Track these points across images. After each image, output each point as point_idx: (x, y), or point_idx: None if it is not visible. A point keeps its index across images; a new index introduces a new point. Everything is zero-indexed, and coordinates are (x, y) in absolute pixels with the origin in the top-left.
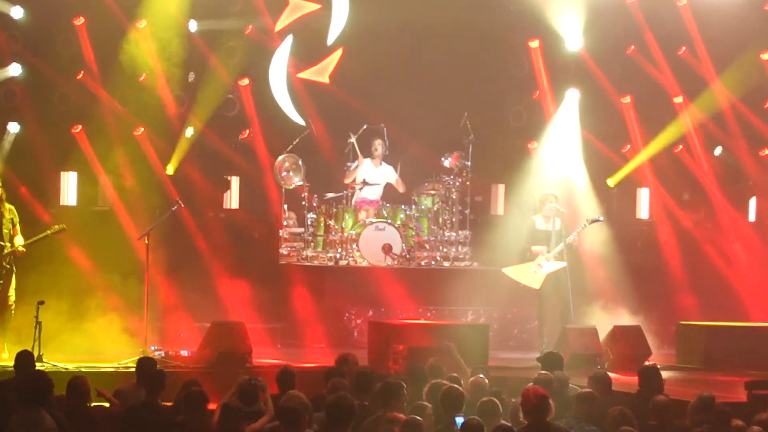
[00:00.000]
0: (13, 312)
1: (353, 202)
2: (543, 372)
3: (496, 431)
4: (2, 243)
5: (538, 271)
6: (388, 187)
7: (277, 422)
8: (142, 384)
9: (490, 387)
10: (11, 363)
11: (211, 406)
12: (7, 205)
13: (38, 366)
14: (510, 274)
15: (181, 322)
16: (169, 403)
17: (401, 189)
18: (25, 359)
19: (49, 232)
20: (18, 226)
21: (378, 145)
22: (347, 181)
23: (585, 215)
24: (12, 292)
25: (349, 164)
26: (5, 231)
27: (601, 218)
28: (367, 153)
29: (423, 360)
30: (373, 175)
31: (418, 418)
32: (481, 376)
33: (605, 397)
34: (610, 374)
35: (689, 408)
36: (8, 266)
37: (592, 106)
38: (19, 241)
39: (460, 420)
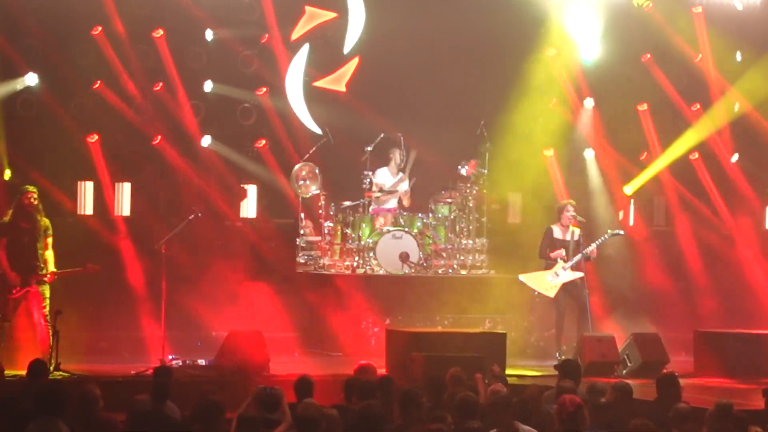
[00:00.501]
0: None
1: (370, 210)
2: (566, 381)
3: None
4: (37, 263)
5: (553, 280)
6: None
7: (295, 431)
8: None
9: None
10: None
11: (229, 415)
12: (45, 220)
13: (56, 375)
14: (526, 281)
15: (199, 331)
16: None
17: (407, 202)
18: (38, 368)
19: (81, 269)
20: (51, 240)
21: (395, 154)
22: (373, 196)
23: (603, 224)
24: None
25: (366, 172)
26: (39, 245)
27: (622, 232)
28: (384, 162)
29: (441, 368)
30: (389, 183)
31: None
32: (500, 384)
33: (626, 407)
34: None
35: (707, 415)
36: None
37: (608, 113)
38: (51, 261)
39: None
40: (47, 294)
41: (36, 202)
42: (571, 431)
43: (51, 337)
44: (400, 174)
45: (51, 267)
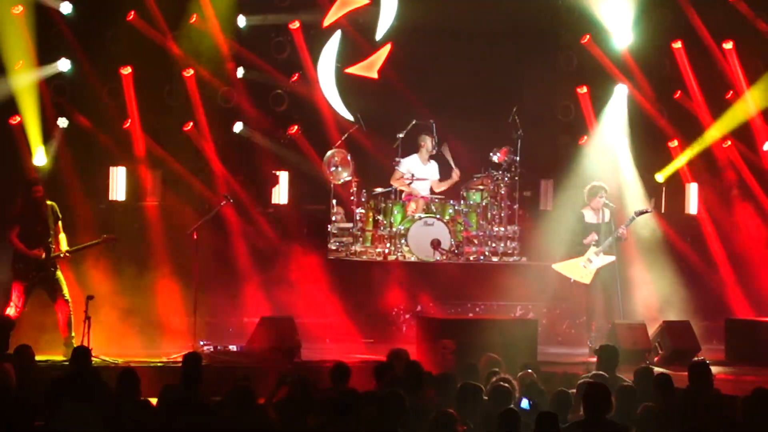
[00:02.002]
0: (71, 310)
1: (402, 197)
2: (599, 372)
3: (541, 417)
4: (53, 247)
5: (587, 266)
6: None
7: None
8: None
9: (538, 382)
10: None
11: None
12: (48, 202)
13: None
14: (560, 270)
15: (231, 317)
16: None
17: (438, 188)
18: (81, 354)
19: (97, 241)
20: (61, 223)
21: (426, 141)
22: (394, 184)
23: (633, 210)
24: (65, 291)
25: (397, 159)
26: (51, 231)
27: (649, 209)
28: (415, 148)
29: (471, 355)
30: (420, 170)
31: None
32: (530, 371)
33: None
34: (658, 369)
35: (743, 402)
36: (53, 269)
37: (641, 101)
38: (63, 242)
39: (525, 403)
40: (62, 279)
41: (41, 194)
42: (596, 418)
43: (69, 321)
44: (431, 162)
45: (64, 247)
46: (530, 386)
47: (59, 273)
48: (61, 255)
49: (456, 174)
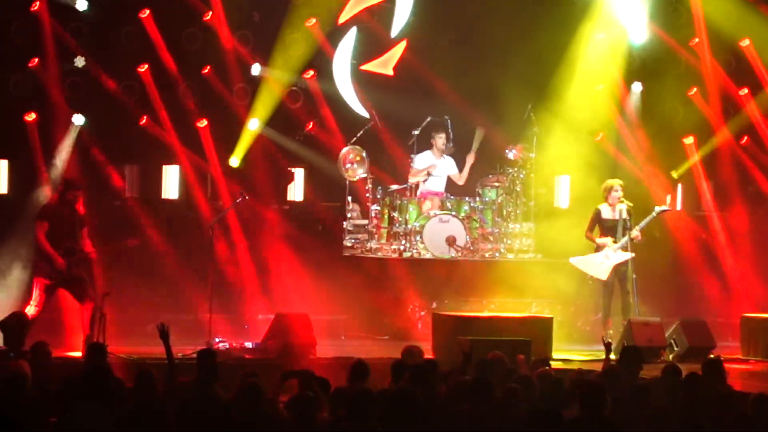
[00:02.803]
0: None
1: (417, 194)
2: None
3: (533, 415)
4: (77, 248)
5: (605, 262)
6: (450, 179)
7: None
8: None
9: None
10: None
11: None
12: (83, 209)
13: None
14: (577, 265)
15: (246, 314)
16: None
17: (461, 182)
18: (96, 351)
19: (122, 242)
20: (86, 230)
21: (440, 138)
22: (412, 180)
23: (649, 207)
24: (91, 291)
25: (412, 156)
26: (78, 234)
27: (668, 208)
28: (428, 144)
29: (487, 352)
30: (441, 165)
31: None
32: (547, 368)
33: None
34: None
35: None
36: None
37: (656, 98)
38: (87, 246)
39: None
40: (86, 277)
41: (78, 199)
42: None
43: (93, 320)
44: (446, 156)
45: (88, 248)
46: (545, 380)
47: (83, 273)
48: (87, 256)
49: (470, 158)
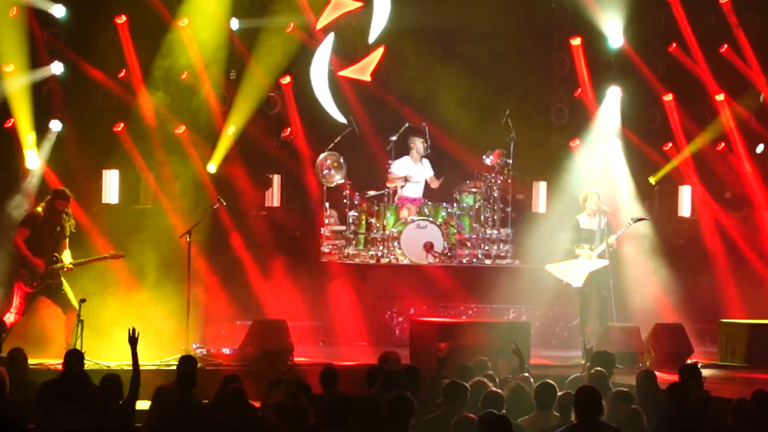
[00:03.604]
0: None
1: (395, 200)
2: (598, 369)
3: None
4: (57, 257)
5: (579, 269)
6: (426, 184)
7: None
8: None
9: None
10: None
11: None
12: (72, 221)
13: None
14: (553, 272)
15: (223, 320)
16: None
17: (434, 185)
18: (73, 357)
19: (104, 256)
20: (67, 240)
21: (418, 143)
22: (390, 185)
23: (627, 213)
24: (73, 299)
25: (390, 161)
26: (60, 244)
27: (646, 217)
28: (406, 151)
29: (465, 358)
30: (413, 171)
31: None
32: (526, 375)
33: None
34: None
35: (734, 405)
36: (55, 281)
37: (633, 103)
38: (67, 257)
39: None
40: (66, 286)
41: (65, 210)
42: (588, 420)
43: (74, 327)
44: (423, 161)
45: (68, 260)
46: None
47: (65, 283)
48: (65, 267)
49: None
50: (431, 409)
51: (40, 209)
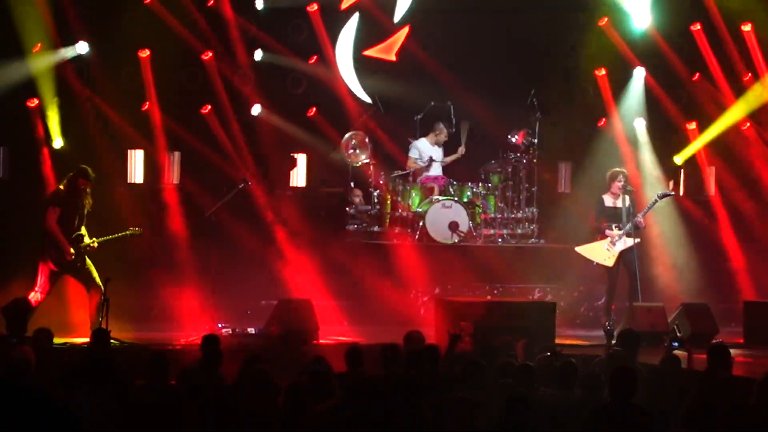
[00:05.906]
0: (104, 293)
1: (420, 179)
2: (616, 348)
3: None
4: (82, 236)
5: (610, 249)
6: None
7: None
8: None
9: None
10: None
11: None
12: (90, 199)
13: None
14: (583, 253)
15: (249, 300)
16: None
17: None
18: (100, 337)
19: (127, 232)
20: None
21: (442, 133)
22: (410, 168)
23: (653, 192)
24: (97, 277)
25: (410, 139)
26: (83, 222)
27: (672, 192)
28: (429, 129)
29: (490, 337)
30: (429, 152)
31: None
32: (549, 354)
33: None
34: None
35: (757, 385)
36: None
37: (659, 83)
38: (87, 235)
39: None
40: (91, 264)
41: (87, 189)
42: (621, 401)
43: (98, 306)
44: (435, 147)
45: (88, 239)
46: (547, 369)
47: (88, 261)
48: (88, 246)
49: (460, 150)
50: (446, 388)
51: (62, 187)
